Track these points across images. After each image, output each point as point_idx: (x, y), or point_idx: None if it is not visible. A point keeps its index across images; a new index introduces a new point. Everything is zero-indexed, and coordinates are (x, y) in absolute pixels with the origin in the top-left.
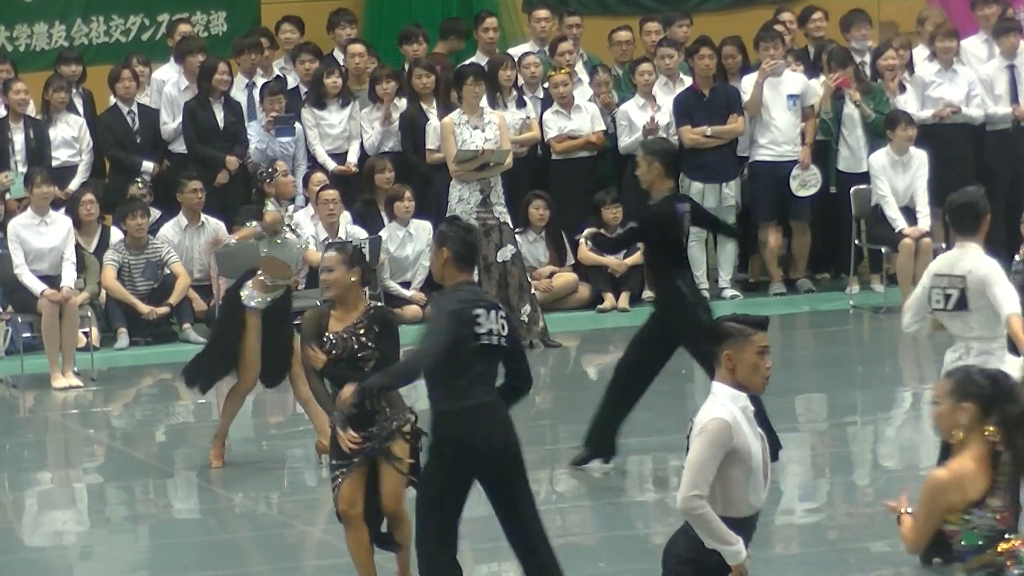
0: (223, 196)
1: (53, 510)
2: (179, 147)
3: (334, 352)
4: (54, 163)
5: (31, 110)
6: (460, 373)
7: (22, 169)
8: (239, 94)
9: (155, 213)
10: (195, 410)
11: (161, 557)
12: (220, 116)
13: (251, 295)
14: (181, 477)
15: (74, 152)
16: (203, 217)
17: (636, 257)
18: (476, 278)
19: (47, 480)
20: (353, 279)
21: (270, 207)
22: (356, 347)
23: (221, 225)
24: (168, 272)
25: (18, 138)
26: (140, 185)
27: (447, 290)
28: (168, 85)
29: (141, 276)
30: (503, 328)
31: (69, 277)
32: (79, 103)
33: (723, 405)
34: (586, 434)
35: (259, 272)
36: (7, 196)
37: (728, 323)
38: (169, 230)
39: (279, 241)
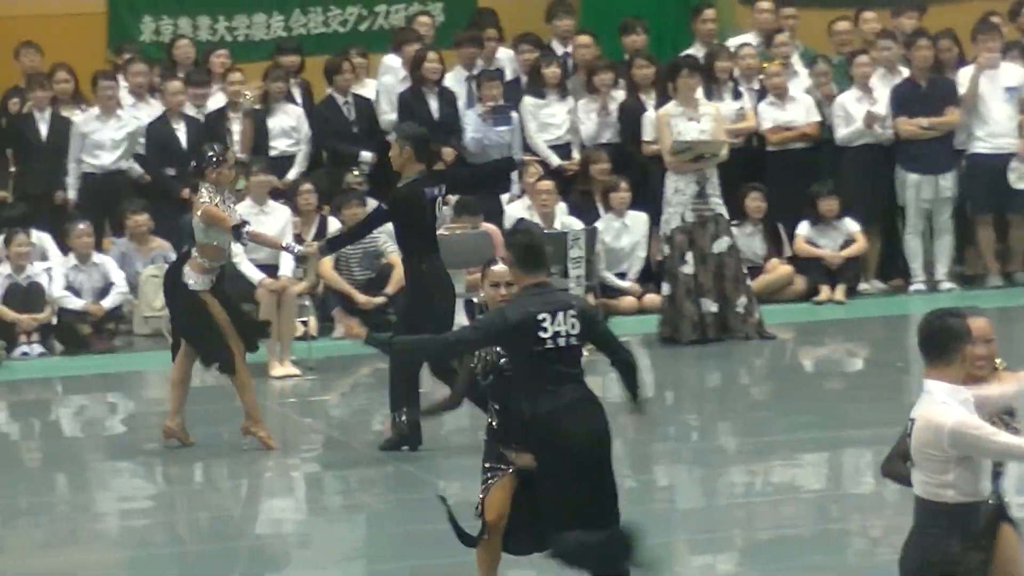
0: None
1: (271, 498)
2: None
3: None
4: (272, 153)
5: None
6: (538, 377)
7: (240, 158)
8: (458, 85)
9: (372, 203)
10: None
11: (377, 546)
12: (435, 106)
13: (195, 278)
14: (397, 466)
15: (292, 142)
16: None
17: (853, 249)
18: (542, 278)
19: (265, 468)
20: None
21: (205, 196)
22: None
23: (445, 211)
24: (385, 262)
25: (236, 128)
26: (356, 175)
27: (518, 294)
28: (387, 75)
29: (358, 266)
30: (573, 327)
31: (287, 266)
32: (297, 93)
33: (944, 404)
34: None
35: (195, 255)
36: None
37: (950, 318)
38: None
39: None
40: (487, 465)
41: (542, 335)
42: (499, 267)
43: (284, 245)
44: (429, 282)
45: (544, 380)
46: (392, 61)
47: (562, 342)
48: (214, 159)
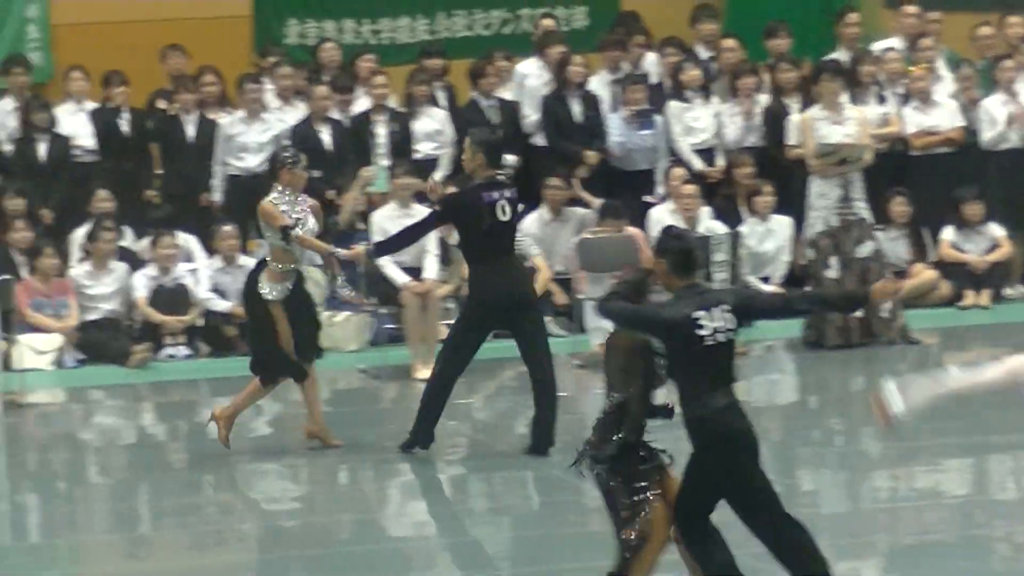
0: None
1: (415, 501)
2: (540, 140)
3: None
4: (416, 156)
5: (392, 103)
6: (696, 379)
7: (384, 163)
8: (603, 89)
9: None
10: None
11: (521, 549)
12: (577, 110)
13: (269, 287)
14: (540, 469)
15: (436, 145)
16: (566, 209)
17: (998, 254)
18: (695, 280)
19: (409, 471)
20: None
21: (273, 195)
22: None
23: (588, 214)
24: (530, 265)
25: (381, 131)
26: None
27: (673, 296)
28: (530, 78)
29: None
30: (729, 321)
31: (432, 269)
32: (441, 97)
33: None
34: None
35: (268, 261)
36: (369, 190)
37: None
38: (532, 223)
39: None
40: (636, 495)
41: (700, 332)
42: None
43: (330, 251)
44: (478, 288)
45: (704, 381)
46: (525, 67)
47: (721, 338)
48: (288, 160)
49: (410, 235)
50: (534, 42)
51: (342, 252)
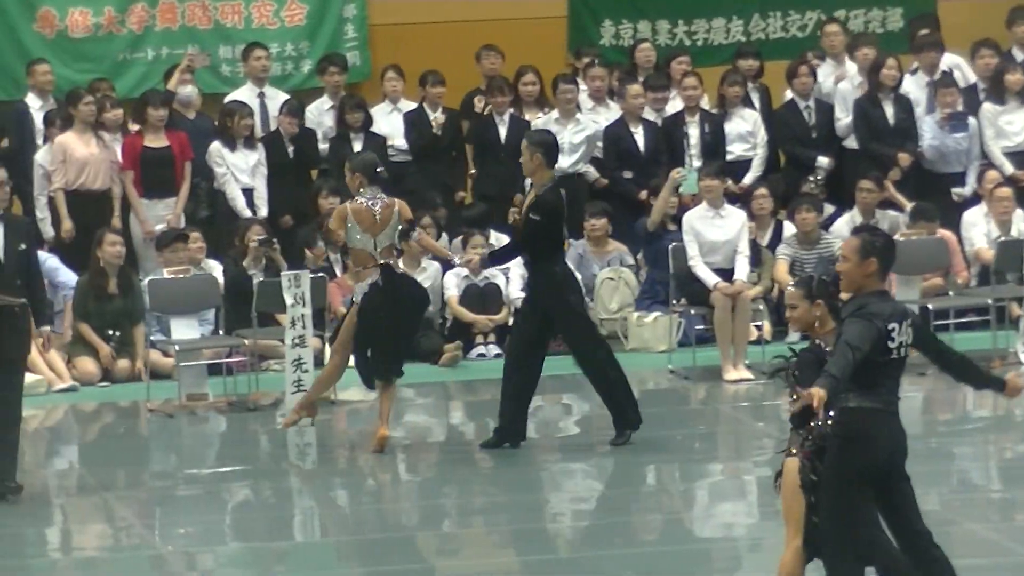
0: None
1: (722, 502)
2: (852, 143)
3: None
4: (729, 157)
5: (704, 104)
6: (875, 383)
7: (696, 164)
8: (919, 91)
9: (828, 208)
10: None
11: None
12: (890, 112)
13: (358, 290)
14: None
15: (749, 146)
16: (878, 212)
17: None
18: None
19: (717, 472)
20: (817, 313)
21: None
22: None
23: (899, 217)
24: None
25: (693, 132)
26: (813, 182)
27: (862, 298)
28: (843, 82)
29: (812, 271)
30: (908, 337)
31: (742, 270)
32: (755, 98)
33: None
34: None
35: (350, 265)
36: (680, 191)
37: None
38: (843, 225)
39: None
40: None
41: (890, 344)
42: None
43: (446, 255)
44: (564, 283)
45: (879, 386)
46: (828, 68)
47: (902, 353)
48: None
49: (514, 249)
50: (823, 45)
51: (457, 258)
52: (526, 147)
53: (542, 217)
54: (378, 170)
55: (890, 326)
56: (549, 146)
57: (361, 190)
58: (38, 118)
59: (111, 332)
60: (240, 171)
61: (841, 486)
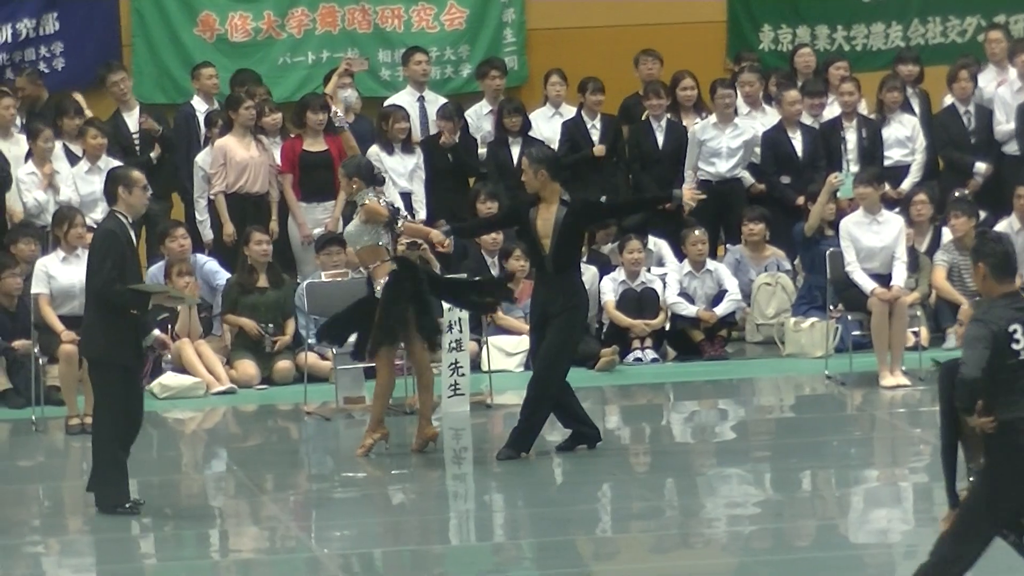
0: None
1: (878, 508)
2: (1011, 149)
3: None
4: (887, 162)
5: (862, 109)
6: (1009, 388)
7: (853, 168)
8: None
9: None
10: None
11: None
12: None
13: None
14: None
15: (907, 152)
16: None
17: None
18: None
19: (873, 478)
20: None
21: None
22: None
23: None
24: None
25: (851, 137)
26: (965, 191)
27: (986, 302)
28: (1002, 87)
29: (971, 278)
30: None
31: (900, 276)
32: (914, 103)
33: None
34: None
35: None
36: (838, 195)
37: None
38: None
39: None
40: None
41: (1015, 347)
42: None
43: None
44: (583, 296)
45: (1011, 393)
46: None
47: None
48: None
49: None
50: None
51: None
52: (528, 165)
53: (577, 224)
54: (375, 172)
55: (1011, 328)
56: (551, 161)
57: (362, 192)
58: (203, 121)
59: (264, 325)
60: (398, 175)
61: (985, 516)
